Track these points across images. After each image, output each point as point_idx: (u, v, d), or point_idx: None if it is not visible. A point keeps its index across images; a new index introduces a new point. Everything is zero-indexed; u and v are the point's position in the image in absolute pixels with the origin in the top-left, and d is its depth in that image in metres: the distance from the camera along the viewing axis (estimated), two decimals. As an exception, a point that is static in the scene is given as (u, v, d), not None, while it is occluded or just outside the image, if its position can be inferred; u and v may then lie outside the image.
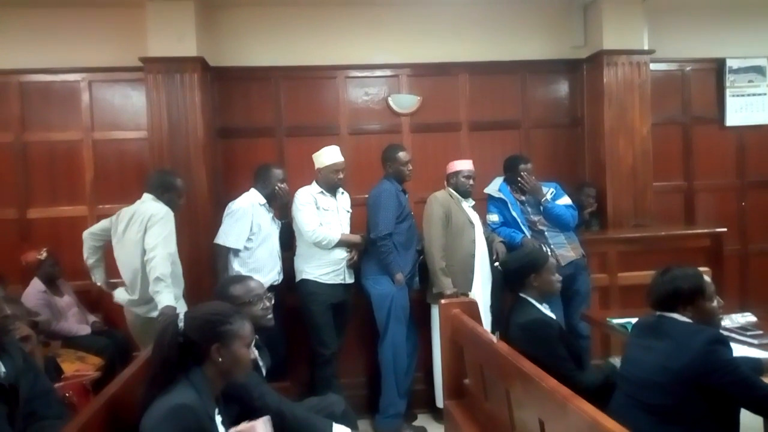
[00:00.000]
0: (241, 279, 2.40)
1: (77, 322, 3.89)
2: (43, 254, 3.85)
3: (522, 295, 2.50)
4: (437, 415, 3.59)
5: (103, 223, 3.36)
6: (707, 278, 2.05)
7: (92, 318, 4.01)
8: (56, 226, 4.25)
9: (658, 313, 2.04)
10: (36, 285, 3.81)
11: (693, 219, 4.78)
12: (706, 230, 4.02)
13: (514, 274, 2.53)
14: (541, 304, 2.50)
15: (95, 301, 4.19)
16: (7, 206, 4.22)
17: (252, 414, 1.89)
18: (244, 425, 1.79)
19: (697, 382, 1.80)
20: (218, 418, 1.77)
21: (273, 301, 2.40)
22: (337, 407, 2.39)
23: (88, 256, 3.37)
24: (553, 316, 2.53)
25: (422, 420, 3.62)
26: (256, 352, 2.28)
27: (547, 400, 1.81)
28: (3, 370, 1.76)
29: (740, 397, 1.80)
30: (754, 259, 4.84)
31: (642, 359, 1.97)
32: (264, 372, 2.35)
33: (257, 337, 2.28)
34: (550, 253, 3.23)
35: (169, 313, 2.72)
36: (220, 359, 1.71)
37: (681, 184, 4.84)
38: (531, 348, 2.22)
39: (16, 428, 1.78)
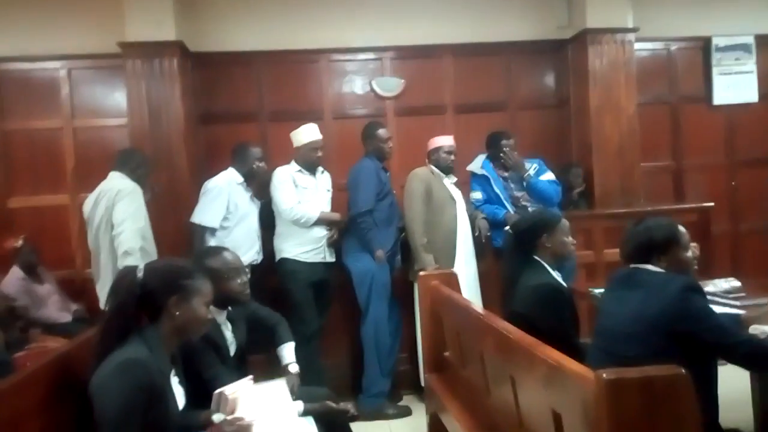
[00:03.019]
0: (216, 251, 2.29)
1: (58, 310, 3.85)
2: (20, 242, 3.81)
3: (535, 257, 2.39)
4: (422, 395, 3.51)
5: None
6: (681, 228, 1.99)
7: (74, 306, 3.96)
8: (39, 216, 4.21)
9: (632, 265, 1.99)
10: (15, 272, 3.77)
11: (683, 199, 4.73)
12: (692, 205, 3.97)
13: (526, 235, 2.41)
14: (553, 269, 2.40)
15: (78, 290, 4.14)
16: (-13, 196, 4.18)
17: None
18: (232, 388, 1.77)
19: (672, 330, 1.75)
20: (174, 379, 1.72)
21: (249, 276, 2.36)
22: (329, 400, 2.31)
23: None
24: (563, 283, 2.46)
25: (407, 401, 3.56)
26: (229, 326, 2.24)
27: (516, 353, 1.76)
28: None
29: (714, 344, 1.74)
30: (745, 239, 4.78)
31: (616, 311, 1.91)
32: (233, 351, 2.27)
33: (229, 309, 2.24)
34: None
35: None
36: (177, 313, 1.66)
37: (669, 164, 4.79)
38: (538, 311, 2.17)
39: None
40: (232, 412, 1.78)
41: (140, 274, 1.67)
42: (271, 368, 2.49)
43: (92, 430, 1.51)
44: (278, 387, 2.05)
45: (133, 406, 1.50)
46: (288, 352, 2.40)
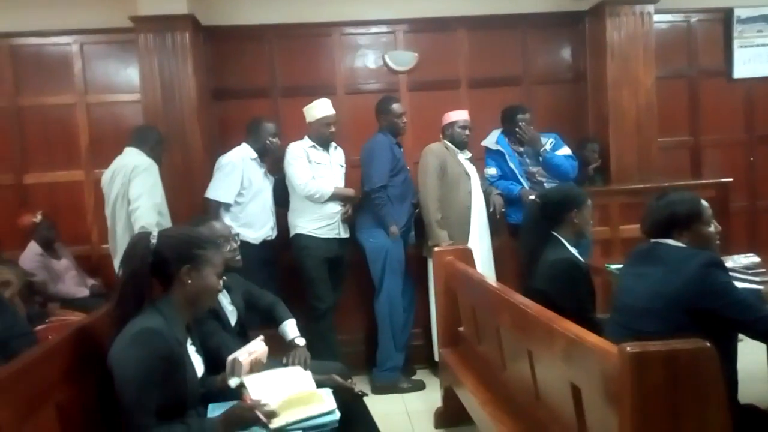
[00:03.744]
0: (204, 221, 2.36)
1: (75, 285, 3.89)
2: (38, 217, 3.84)
3: (555, 234, 2.35)
4: (436, 370, 3.53)
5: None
6: (704, 202, 1.96)
7: (91, 281, 4.01)
8: (54, 191, 4.24)
9: (652, 240, 1.96)
10: (33, 248, 3.81)
11: (700, 175, 4.65)
12: (711, 181, 3.91)
13: (555, 207, 2.36)
14: (572, 245, 2.36)
15: (95, 265, 4.19)
16: (3, 172, 4.21)
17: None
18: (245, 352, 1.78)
19: (693, 307, 1.73)
20: (191, 348, 1.74)
21: (239, 243, 2.36)
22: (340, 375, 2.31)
23: None
24: (581, 259, 2.43)
25: (421, 375, 3.58)
26: (226, 294, 2.25)
27: (534, 327, 1.76)
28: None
29: (737, 319, 1.72)
30: (763, 215, 4.71)
31: (635, 287, 1.89)
32: (234, 319, 2.30)
33: (224, 278, 2.25)
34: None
35: None
36: (188, 281, 1.66)
37: (687, 139, 4.71)
38: (556, 286, 2.15)
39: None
40: (250, 371, 1.79)
41: (153, 240, 1.67)
42: (276, 342, 2.50)
43: (114, 399, 1.53)
44: (299, 373, 2.03)
45: (152, 374, 1.51)
46: (291, 327, 2.40)
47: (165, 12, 3.84)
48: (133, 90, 4.15)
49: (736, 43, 4.63)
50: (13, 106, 4.18)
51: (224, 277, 2.00)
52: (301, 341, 2.35)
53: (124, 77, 4.24)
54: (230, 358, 1.81)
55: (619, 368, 1.20)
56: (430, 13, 4.37)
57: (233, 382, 1.78)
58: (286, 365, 2.13)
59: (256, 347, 1.87)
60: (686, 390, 1.16)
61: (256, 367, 1.86)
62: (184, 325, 1.71)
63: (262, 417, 1.61)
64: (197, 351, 1.76)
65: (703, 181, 4.01)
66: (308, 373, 2.00)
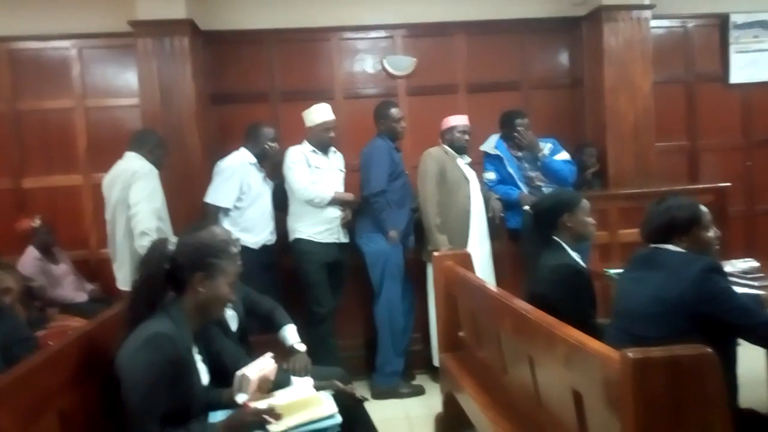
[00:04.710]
0: (206, 225, 2.33)
1: (74, 290, 3.88)
2: (37, 222, 3.82)
3: (554, 238, 2.36)
4: (435, 375, 3.54)
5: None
6: (703, 207, 1.97)
7: (90, 286, 4.00)
8: (52, 196, 4.23)
9: (652, 245, 1.97)
10: (31, 252, 3.79)
11: (697, 179, 4.68)
12: (709, 185, 3.92)
13: (547, 214, 2.37)
14: (573, 249, 2.36)
15: (93, 270, 4.18)
16: (1, 176, 4.20)
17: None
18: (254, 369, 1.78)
19: (692, 312, 1.74)
20: (198, 356, 1.74)
21: (239, 248, 2.36)
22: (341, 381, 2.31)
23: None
24: (583, 264, 2.43)
25: (420, 380, 3.59)
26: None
27: (535, 333, 1.76)
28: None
29: (736, 324, 1.73)
30: (761, 219, 4.74)
31: (635, 292, 1.90)
32: (236, 325, 2.29)
33: None
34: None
35: None
36: (201, 289, 1.68)
37: (684, 144, 4.74)
38: (557, 291, 2.15)
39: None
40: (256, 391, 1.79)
41: (171, 247, 1.68)
42: (276, 348, 2.50)
43: (118, 406, 1.53)
44: (303, 382, 2.03)
45: (160, 378, 1.52)
46: (290, 333, 2.39)
47: (164, 17, 3.85)
48: (131, 94, 4.15)
49: (732, 48, 4.66)
50: (12, 110, 4.18)
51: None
52: (301, 347, 2.34)
53: (123, 81, 4.24)
54: (239, 373, 1.80)
55: (621, 374, 1.20)
56: (428, 18, 4.39)
57: (240, 398, 1.77)
58: (287, 371, 2.12)
59: (265, 364, 1.87)
60: (688, 396, 1.16)
61: (264, 384, 1.85)
62: (192, 333, 1.71)
63: (267, 417, 1.61)
64: (203, 360, 1.76)
65: (702, 186, 4.03)
66: (308, 379, 2.00)
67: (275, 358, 1.91)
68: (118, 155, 3.34)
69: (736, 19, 4.64)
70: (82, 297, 3.85)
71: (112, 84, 4.26)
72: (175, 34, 3.89)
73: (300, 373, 2.13)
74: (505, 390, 2.15)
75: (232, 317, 2.27)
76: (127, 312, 1.65)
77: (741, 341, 1.85)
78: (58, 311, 3.63)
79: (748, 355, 2.03)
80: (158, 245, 1.71)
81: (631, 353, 1.18)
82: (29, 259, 3.77)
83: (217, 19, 4.22)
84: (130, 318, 1.62)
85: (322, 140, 3.42)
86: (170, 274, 1.67)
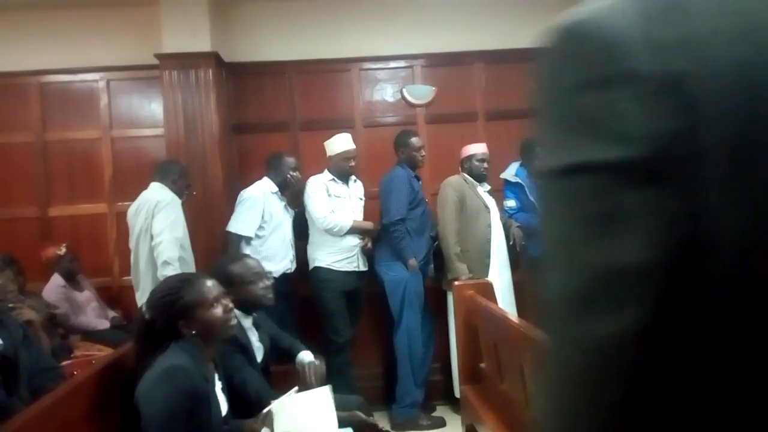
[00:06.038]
0: (239, 258, 2.37)
1: (96, 317, 3.92)
2: (63, 249, 3.89)
3: None
4: (456, 406, 3.49)
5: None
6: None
7: (112, 313, 4.03)
8: (76, 224, 4.30)
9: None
10: (56, 280, 3.85)
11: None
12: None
13: None
14: None
15: (115, 297, 4.22)
16: (28, 204, 4.28)
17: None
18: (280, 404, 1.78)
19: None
20: (218, 384, 1.74)
21: (273, 281, 2.37)
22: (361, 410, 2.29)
23: None
24: None
25: (441, 411, 3.54)
26: (255, 331, 2.25)
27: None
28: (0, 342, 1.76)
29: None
30: None
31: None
32: (261, 356, 2.29)
33: (254, 315, 2.26)
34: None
35: None
36: (193, 331, 1.70)
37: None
38: None
39: (18, 400, 1.78)
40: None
41: (147, 315, 1.72)
42: (295, 380, 2.49)
43: (138, 439, 1.53)
44: (322, 394, 2.03)
45: (177, 411, 1.53)
46: (307, 353, 2.40)
47: (189, 49, 3.94)
48: (156, 125, 4.24)
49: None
50: (40, 141, 4.29)
51: (254, 314, 2.02)
52: (318, 359, 2.36)
53: (148, 112, 4.34)
54: (265, 410, 1.79)
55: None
56: (447, 48, 4.43)
57: None
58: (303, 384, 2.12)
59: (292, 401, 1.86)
60: None
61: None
62: (210, 361, 1.72)
63: None
64: (222, 389, 1.76)
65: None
66: (331, 408, 1.98)
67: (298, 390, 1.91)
68: (142, 184, 3.41)
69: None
70: (104, 324, 3.89)
71: (137, 115, 4.36)
72: (200, 66, 3.98)
73: (317, 383, 2.13)
74: (527, 425, 2.11)
75: (258, 349, 2.27)
76: (137, 366, 1.69)
77: None
78: (80, 338, 3.66)
79: None
80: (138, 318, 1.76)
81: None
82: (54, 286, 3.82)
83: (241, 51, 4.31)
84: (141, 368, 1.67)
85: (342, 169, 3.46)
86: (159, 335, 1.69)
